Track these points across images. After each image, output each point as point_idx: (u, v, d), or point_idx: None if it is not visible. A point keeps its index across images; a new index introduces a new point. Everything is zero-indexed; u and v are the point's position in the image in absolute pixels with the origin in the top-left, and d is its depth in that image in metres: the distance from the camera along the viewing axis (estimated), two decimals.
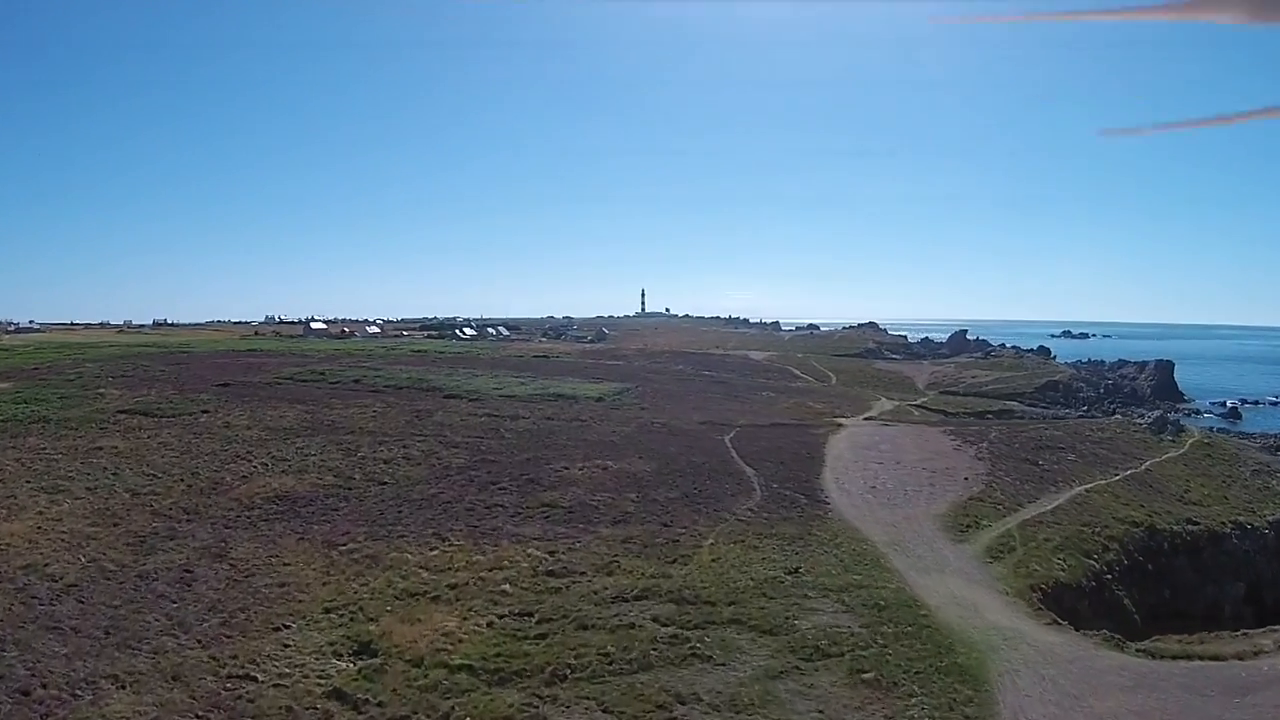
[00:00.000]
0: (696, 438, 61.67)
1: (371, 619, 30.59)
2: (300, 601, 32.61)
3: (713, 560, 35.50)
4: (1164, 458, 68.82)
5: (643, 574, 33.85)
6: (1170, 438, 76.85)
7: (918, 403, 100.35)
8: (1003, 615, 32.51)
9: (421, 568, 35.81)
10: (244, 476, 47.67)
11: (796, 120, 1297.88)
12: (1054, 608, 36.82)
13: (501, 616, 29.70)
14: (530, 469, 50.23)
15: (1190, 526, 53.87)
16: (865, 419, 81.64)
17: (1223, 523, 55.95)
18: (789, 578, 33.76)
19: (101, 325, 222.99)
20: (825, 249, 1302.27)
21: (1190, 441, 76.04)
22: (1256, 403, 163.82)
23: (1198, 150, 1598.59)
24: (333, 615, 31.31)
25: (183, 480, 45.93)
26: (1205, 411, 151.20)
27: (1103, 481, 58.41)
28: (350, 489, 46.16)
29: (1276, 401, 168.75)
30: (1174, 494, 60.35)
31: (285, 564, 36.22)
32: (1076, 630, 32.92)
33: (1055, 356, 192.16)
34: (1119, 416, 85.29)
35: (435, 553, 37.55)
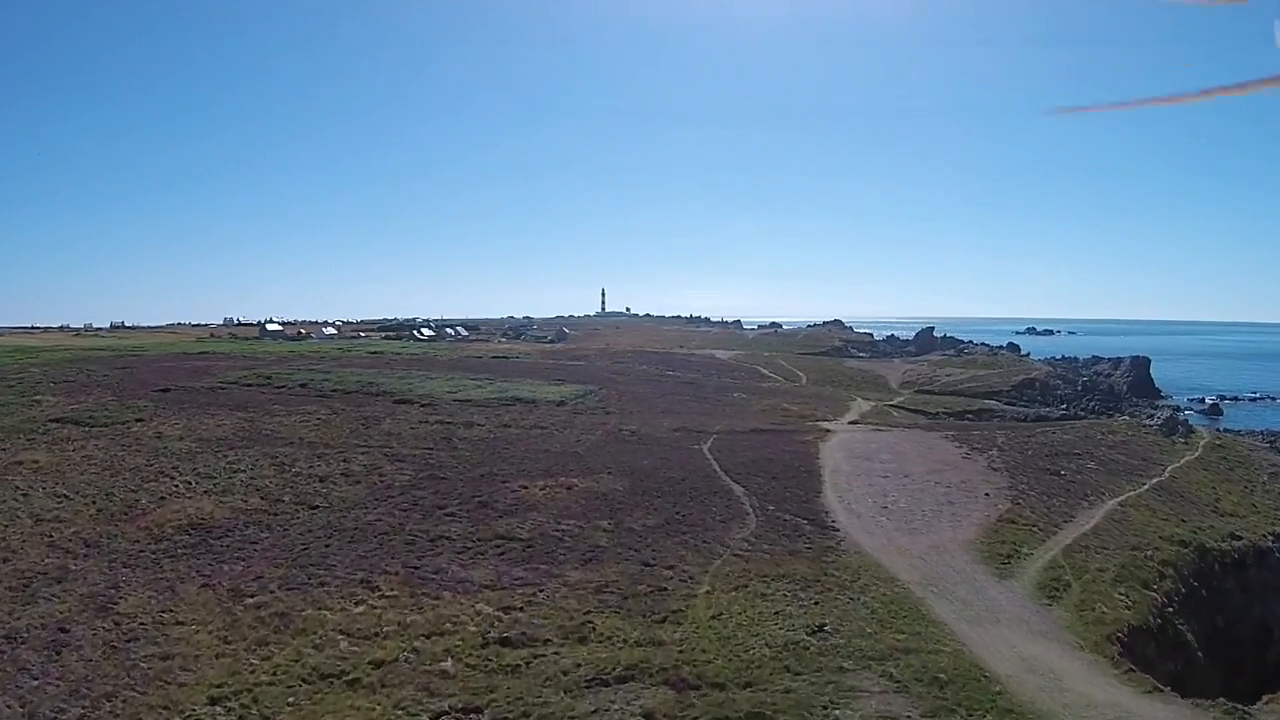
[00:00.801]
0: (671, 447, 55.83)
1: (267, 717, 22.78)
2: (182, 685, 24.95)
3: (713, 617, 28.06)
4: (1182, 462, 63.41)
5: (625, 640, 26.29)
6: (1182, 440, 71.45)
7: (894, 402, 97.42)
8: (1091, 683, 25.53)
9: (342, 632, 28.02)
10: (161, 498, 41.67)
11: (756, 119, 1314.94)
12: (1130, 657, 30.22)
13: (439, 716, 21.89)
14: (484, 488, 43.69)
15: (1234, 542, 47.76)
16: (852, 423, 75.68)
17: (1263, 535, 50.42)
18: (813, 640, 26.45)
19: (61, 329, 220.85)
20: (787, 248, 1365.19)
21: (1203, 443, 71.02)
22: (1235, 399, 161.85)
23: (1161, 147, 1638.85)
24: (219, 708, 23.60)
25: (94, 503, 40.95)
26: (1185, 409, 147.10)
27: (1133, 493, 52.57)
28: (276, 515, 39.53)
29: (1257, 397, 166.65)
30: (1206, 504, 54.60)
31: (178, 622, 28.92)
32: (1184, 698, 26.06)
33: (1028, 354, 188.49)
34: (1127, 418, 79.71)
35: (361, 609, 29.80)
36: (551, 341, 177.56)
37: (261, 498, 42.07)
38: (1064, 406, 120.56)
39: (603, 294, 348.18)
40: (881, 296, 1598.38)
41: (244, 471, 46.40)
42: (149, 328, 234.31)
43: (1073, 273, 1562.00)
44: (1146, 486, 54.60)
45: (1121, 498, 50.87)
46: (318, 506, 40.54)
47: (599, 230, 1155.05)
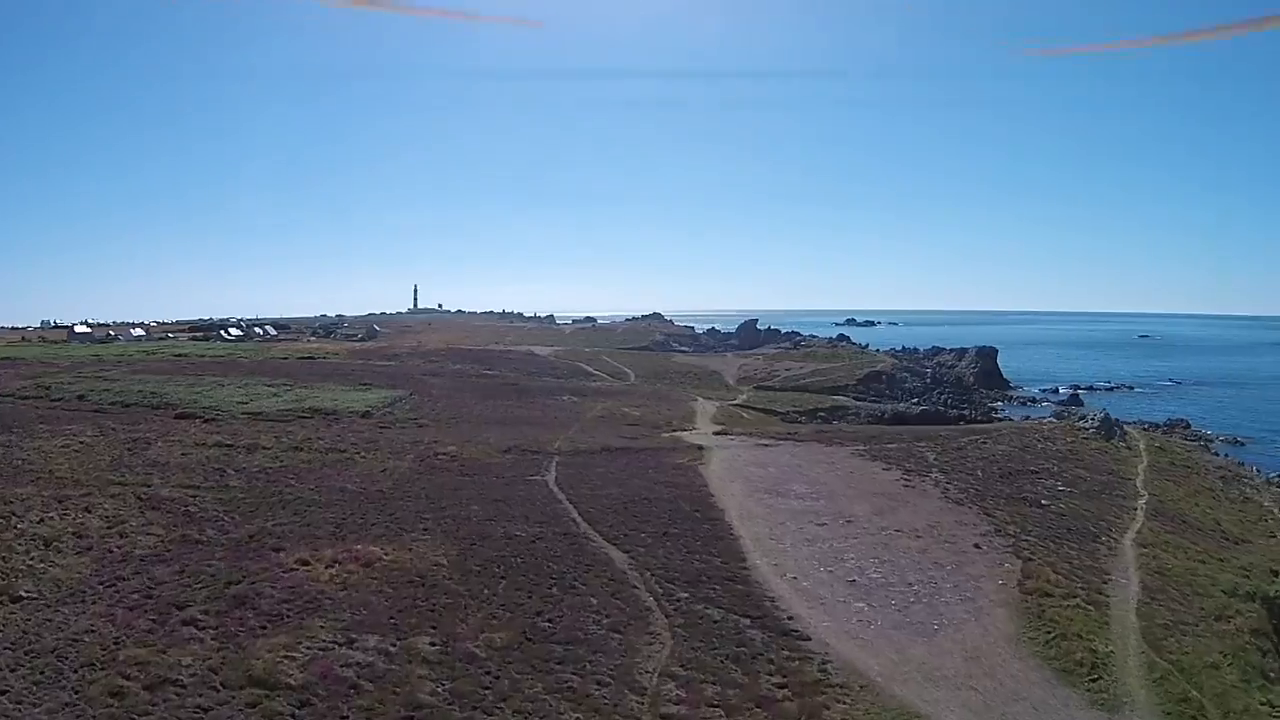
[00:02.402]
0: (505, 480, 45.90)
1: None
2: None
3: None
4: (1142, 473, 56.21)
5: None
6: (1122, 443, 63.99)
7: (738, 401, 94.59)
8: None
9: None
10: None
11: (559, 112, 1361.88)
12: None
13: None
14: (249, 563, 30.86)
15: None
16: (718, 433, 65.85)
17: None
18: None
19: None
20: (599, 243, 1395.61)
21: (1143, 447, 64.85)
22: (1091, 388, 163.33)
23: (974, 138, 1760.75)
24: None
25: None
26: (1041, 400, 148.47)
27: (1134, 524, 43.77)
28: None
29: (1111, 386, 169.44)
30: (1212, 530, 47.46)
31: None
32: None
33: (868, 345, 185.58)
34: (1053, 420, 71.86)
35: None
36: (362, 340, 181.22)
37: None
38: (915, 400, 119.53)
39: (415, 291, 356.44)
40: (698, 289, 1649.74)
41: None
42: None
43: (890, 265, 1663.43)
44: (1140, 512, 46.15)
45: (1130, 533, 41.45)
46: (21, 599, 27.46)
47: (411, 227, 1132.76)
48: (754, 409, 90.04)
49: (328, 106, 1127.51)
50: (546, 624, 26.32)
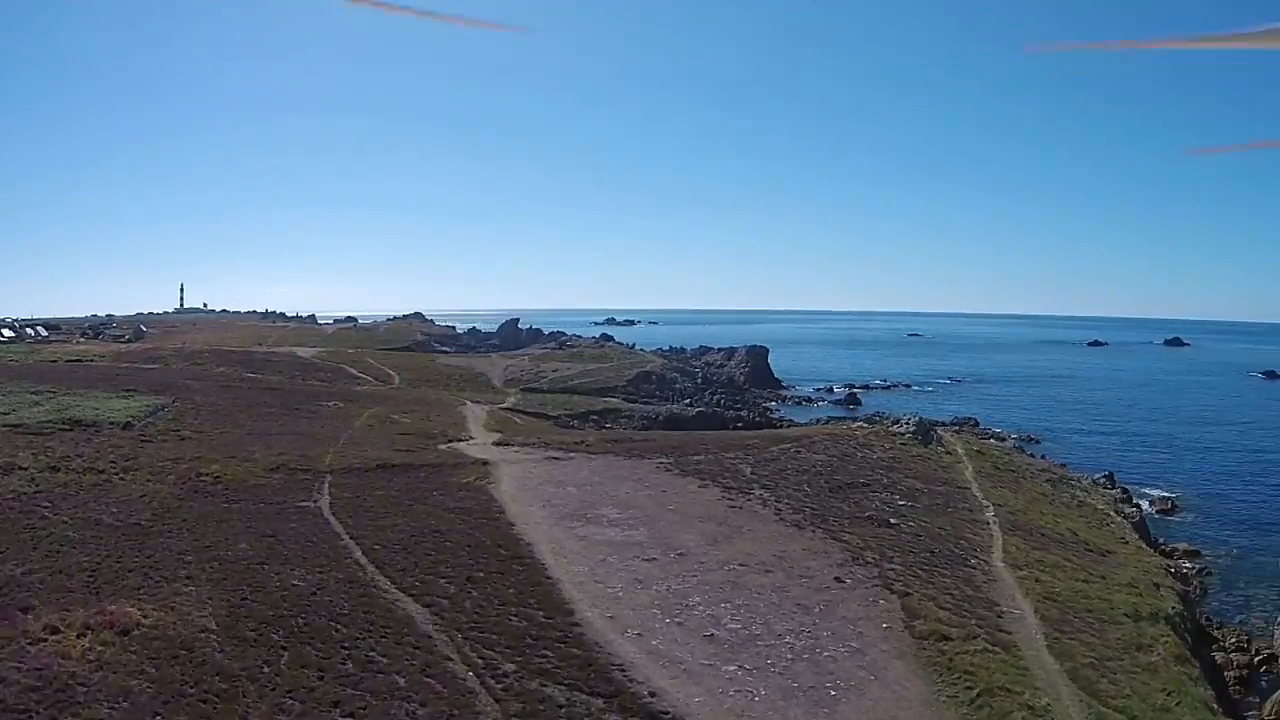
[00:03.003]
0: (276, 506, 41.99)
1: None
2: None
3: None
4: (975, 479, 55.86)
5: None
6: (942, 448, 63.54)
7: (507, 405, 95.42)
8: None
9: None
10: None
11: (323, 113, 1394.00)
12: None
13: None
14: None
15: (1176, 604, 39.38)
16: (501, 442, 61.62)
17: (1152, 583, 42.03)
18: None
19: None
20: (360, 242, 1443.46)
21: (963, 451, 64.70)
22: (867, 387, 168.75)
23: (728, 143, 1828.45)
24: None
25: None
26: (817, 399, 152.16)
27: (994, 540, 42.27)
28: None
29: (887, 385, 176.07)
30: (1073, 542, 47.37)
31: None
32: None
33: (635, 345, 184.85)
34: (864, 424, 69.90)
35: None
36: (129, 341, 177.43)
37: None
38: (688, 401, 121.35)
39: (181, 290, 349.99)
40: (457, 288, 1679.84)
41: None
42: None
43: (647, 265, 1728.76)
44: (995, 527, 44.97)
45: (997, 552, 39.70)
46: None
47: (176, 225, 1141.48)
48: (525, 413, 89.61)
49: (86, 99, 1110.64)
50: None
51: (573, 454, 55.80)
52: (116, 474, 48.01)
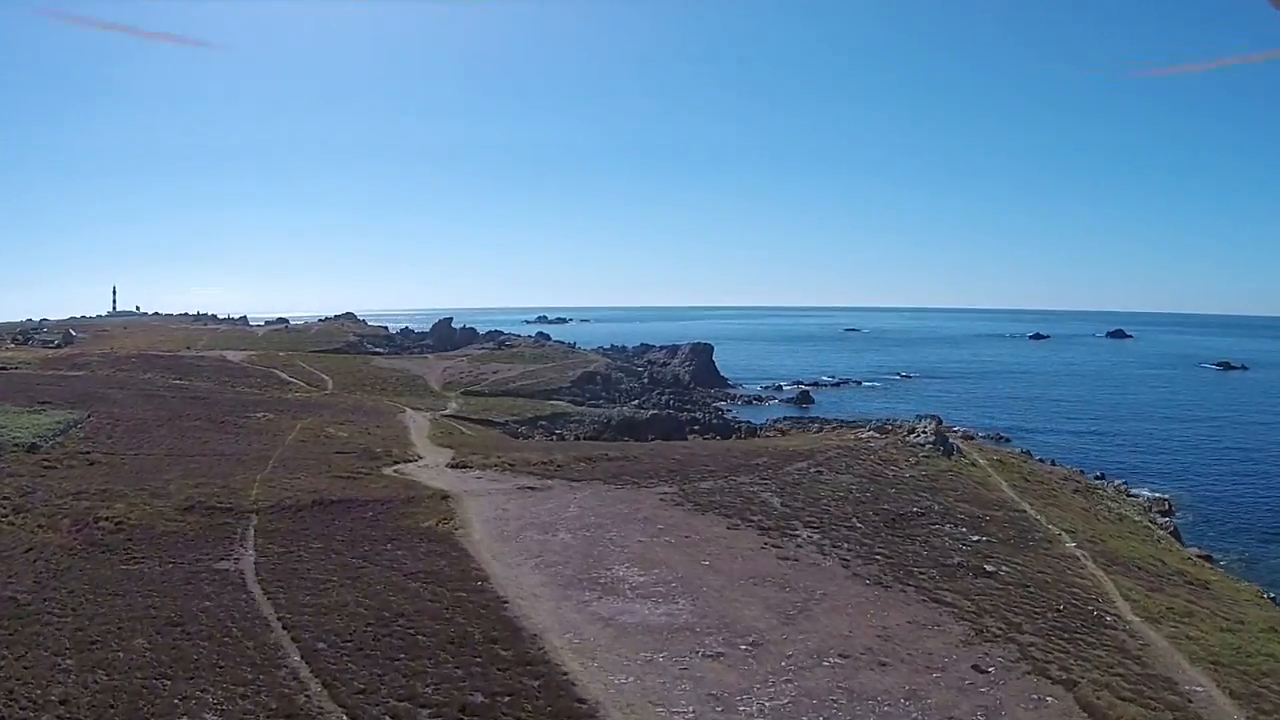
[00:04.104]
0: (186, 570, 32.47)
1: None
2: None
3: None
4: (1019, 498, 47.42)
5: None
6: (964, 459, 55.43)
7: (449, 411, 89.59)
8: None
9: None
10: None
11: (245, 112, 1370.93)
12: None
13: None
14: None
15: None
16: (458, 464, 52.67)
17: None
18: None
19: None
20: (291, 243, 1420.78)
21: (984, 461, 56.28)
22: (816, 384, 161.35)
23: (639, 147, 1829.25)
24: None
25: None
26: (767, 398, 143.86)
27: (1106, 584, 33.37)
28: None
29: (837, 382, 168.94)
30: (1171, 575, 39.10)
31: None
32: None
33: (575, 344, 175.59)
34: (876, 435, 60.60)
35: None
36: (58, 346, 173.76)
37: None
38: (636, 402, 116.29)
39: (114, 293, 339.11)
40: (387, 289, 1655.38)
41: None
42: None
43: (576, 263, 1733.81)
44: (1085, 561, 36.80)
45: (1117, 600, 31.66)
46: None
47: (109, 227, 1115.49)
48: (470, 420, 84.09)
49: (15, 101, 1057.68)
50: None
51: (549, 480, 46.10)
52: (4, 517, 41.07)
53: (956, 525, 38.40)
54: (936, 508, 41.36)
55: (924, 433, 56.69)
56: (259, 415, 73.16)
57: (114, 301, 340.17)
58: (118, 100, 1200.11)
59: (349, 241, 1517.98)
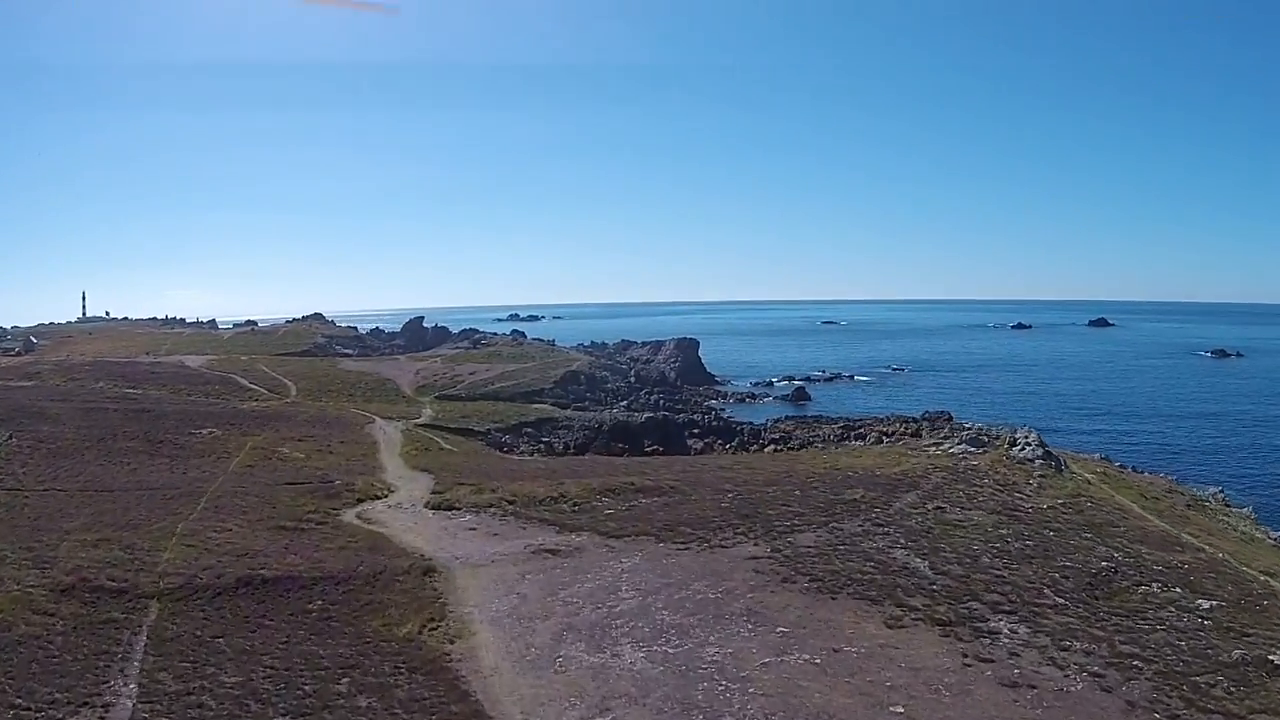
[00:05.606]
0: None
1: None
2: None
3: None
4: (1168, 528, 37.05)
5: None
6: (1078, 475, 44.82)
7: (424, 419, 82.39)
8: None
9: None
10: None
11: (219, 113, 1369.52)
12: None
13: None
14: None
15: None
16: (441, 504, 40.22)
17: None
18: None
19: None
20: (261, 246, 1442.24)
21: (1094, 477, 46.46)
22: (808, 379, 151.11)
23: (604, 144, 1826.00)
24: None
25: None
26: (760, 396, 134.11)
27: None
28: None
29: (829, 377, 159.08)
30: None
31: None
32: None
33: (554, 341, 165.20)
34: (971, 449, 48.25)
35: None
36: (18, 354, 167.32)
37: None
38: (624, 404, 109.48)
39: (83, 298, 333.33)
40: (357, 289, 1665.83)
41: None
42: None
43: (548, 260, 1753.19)
44: None
45: None
46: None
47: (80, 233, 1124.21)
48: (448, 430, 75.85)
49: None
50: None
51: (574, 536, 33.52)
52: None
53: (1167, 585, 27.14)
54: (1118, 556, 30.02)
55: (1028, 445, 45.41)
56: (204, 431, 64.66)
57: (83, 307, 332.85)
58: (89, 102, 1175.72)
59: (318, 242, 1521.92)
